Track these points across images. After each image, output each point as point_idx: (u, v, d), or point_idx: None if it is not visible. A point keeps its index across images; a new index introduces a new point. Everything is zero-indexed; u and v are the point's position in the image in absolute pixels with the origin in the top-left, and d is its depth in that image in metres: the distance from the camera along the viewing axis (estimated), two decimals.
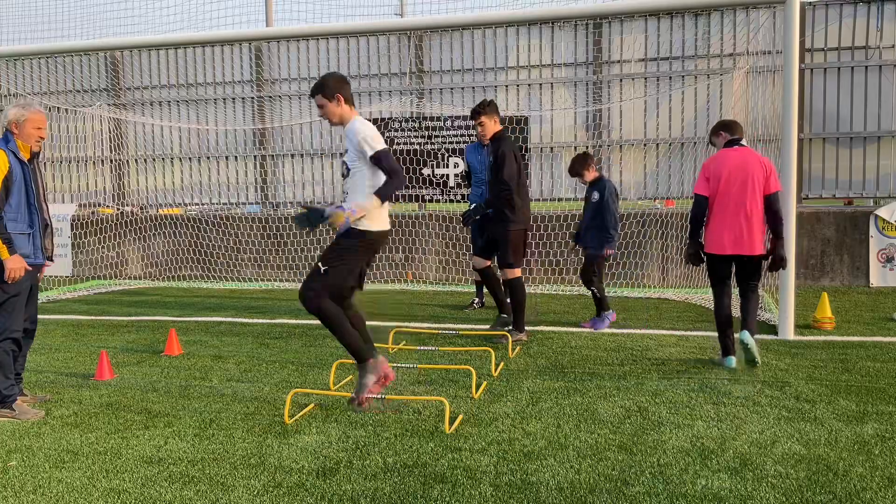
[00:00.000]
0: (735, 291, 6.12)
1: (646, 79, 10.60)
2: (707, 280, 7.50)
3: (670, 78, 10.53)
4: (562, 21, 10.51)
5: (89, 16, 14.45)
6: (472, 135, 10.45)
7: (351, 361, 6.02)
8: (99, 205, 12.62)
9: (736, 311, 6.27)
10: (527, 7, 10.70)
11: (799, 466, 3.89)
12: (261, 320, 8.24)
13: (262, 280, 11.38)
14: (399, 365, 5.95)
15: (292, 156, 11.99)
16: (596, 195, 7.44)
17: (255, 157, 12.14)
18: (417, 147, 11.14)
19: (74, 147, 12.26)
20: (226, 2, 21.67)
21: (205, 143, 12.31)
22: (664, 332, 7.25)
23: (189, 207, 12.61)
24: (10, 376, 4.98)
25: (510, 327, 7.00)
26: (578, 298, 9.31)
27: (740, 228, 5.75)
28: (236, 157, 12.20)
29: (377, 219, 4.82)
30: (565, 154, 10.89)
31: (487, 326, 7.50)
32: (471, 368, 5.46)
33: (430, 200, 11.28)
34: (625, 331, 7.33)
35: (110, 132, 12.47)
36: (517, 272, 6.86)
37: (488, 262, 8.17)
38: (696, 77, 10.45)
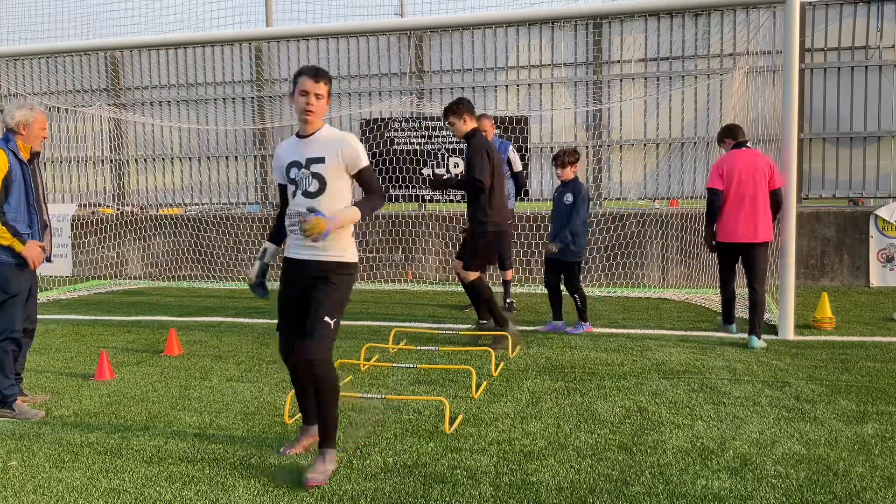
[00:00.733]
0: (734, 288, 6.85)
1: (646, 79, 10.60)
2: (707, 280, 7.58)
3: (670, 78, 10.53)
4: (562, 21, 10.51)
5: (89, 16, 14.44)
6: None
7: (351, 361, 6.03)
8: (99, 205, 12.62)
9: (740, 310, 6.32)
10: (527, 7, 10.71)
11: (799, 466, 3.89)
12: (261, 320, 8.24)
13: None
14: (399, 365, 5.95)
15: None
16: (570, 197, 7.17)
17: (255, 157, 12.14)
18: (417, 147, 11.14)
19: (74, 147, 12.26)
20: (226, 2, 21.67)
21: (205, 143, 12.31)
22: (664, 332, 7.25)
23: (189, 207, 12.61)
24: (10, 376, 4.98)
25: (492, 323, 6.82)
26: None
27: (751, 220, 6.52)
28: (236, 157, 12.20)
29: (352, 245, 4.08)
30: None
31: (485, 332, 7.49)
32: (471, 368, 5.46)
33: (430, 200, 11.29)
34: (625, 331, 7.33)
35: (110, 132, 12.47)
36: (472, 275, 6.66)
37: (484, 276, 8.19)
38: (696, 77, 10.44)
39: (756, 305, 6.54)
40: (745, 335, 6.73)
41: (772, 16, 9.54)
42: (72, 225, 11.89)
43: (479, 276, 6.71)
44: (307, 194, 3.93)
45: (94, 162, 12.60)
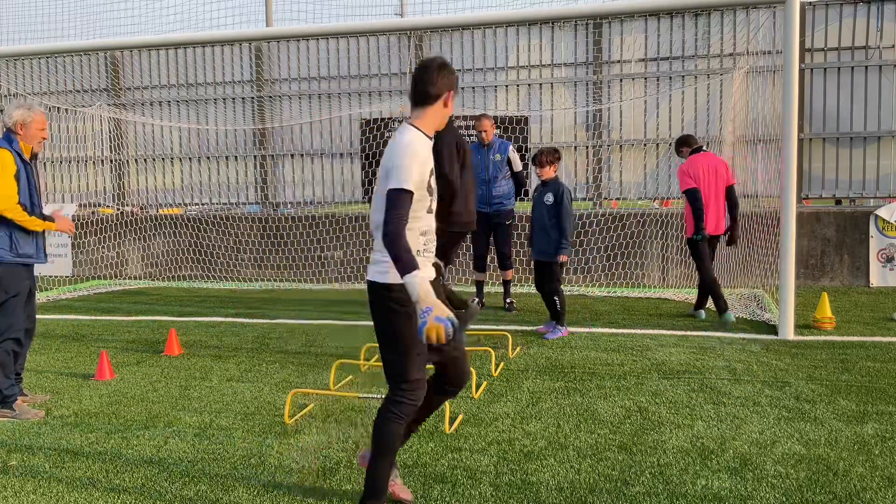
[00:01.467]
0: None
1: (646, 79, 10.60)
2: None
3: (670, 78, 10.53)
4: (562, 21, 10.51)
5: (89, 16, 14.47)
6: (473, 135, 10.44)
7: (351, 361, 6.03)
8: (99, 205, 12.62)
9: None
10: (527, 7, 10.70)
11: (799, 466, 3.89)
12: (261, 320, 8.24)
13: (262, 280, 11.37)
14: None
15: (292, 156, 11.99)
16: (550, 197, 7.00)
17: (255, 157, 12.14)
18: None
19: (74, 147, 12.25)
20: (226, 2, 21.68)
21: (205, 143, 12.30)
22: (664, 332, 7.25)
23: (189, 207, 12.61)
24: (10, 376, 4.99)
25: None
26: (578, 298, 9.30)
27: (715, 215, 7.58)
28: (236, 157, 12.20)
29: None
30: (565, 154, 10.88)
31: (487, 327, 7.49)
32: (471, 368, 5.45)
33: None
34: (625, 331, 7.33)
35: (110, 132, 12.46)
36: None
37: (484, 276, 8.17)
38: (696, 77, 10.44)
39: (710, 287, 7.59)
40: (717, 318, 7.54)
41: (772, 16, 9.54)
42: None
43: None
44: (431, 211, 3.35)
45: (94, 162, 12.60)
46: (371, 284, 3.29)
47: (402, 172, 3.09)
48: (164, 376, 5.95)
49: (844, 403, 4.90)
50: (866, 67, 9.94)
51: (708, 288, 7.69)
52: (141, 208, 12.54)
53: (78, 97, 12.57)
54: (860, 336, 6.88)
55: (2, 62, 12.40)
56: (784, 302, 6.86)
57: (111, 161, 12.60)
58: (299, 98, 11.85)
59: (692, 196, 7.43)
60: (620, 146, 10.73)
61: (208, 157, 12.30)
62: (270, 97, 11.97)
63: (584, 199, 11.06)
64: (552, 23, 10.70)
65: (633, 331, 7.31)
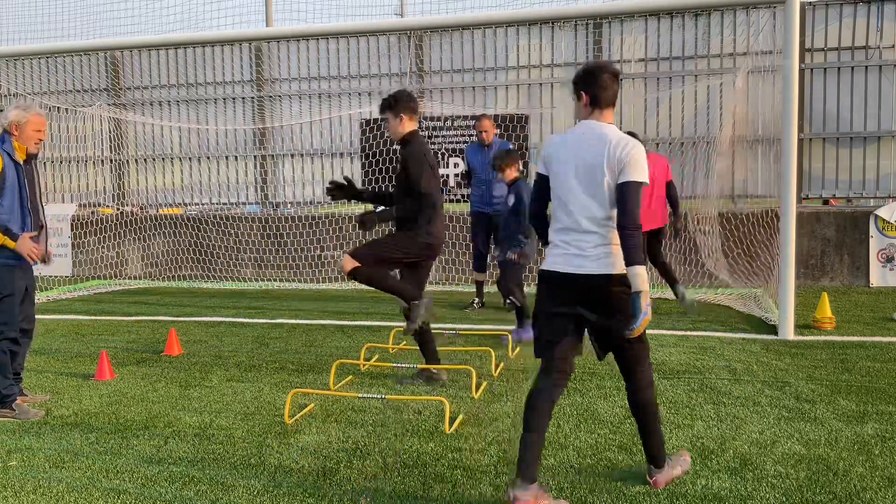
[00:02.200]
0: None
1: (646, 79, 10.60)
2: (706, 279, 7.78)
3: (670, 78, 10.53)
4: (562, 21, 10.51)
5: (89, 16, 14.46)
6: (473, 135, 10.44)
7: (351, 361, 6.03)
8: (99, 205, 12.61)
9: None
10: (527, 7, 10.71)
11: (799, 466, 3.89)
12: (261, 320, 8.24)
13: (262, 280, 11.37)
14: (399, 365, 5.95)
15: (292, 156, 11.99)
16: (512, 199, 6.86)
17: (255, 157, 12.14)
18: None
19: (74, 147, 12.24)
20: (226, 2, 21.68)
21: (205, 143, 12.30)
22: (664, 332, 7.25)
23: (189, 207, 12.61)
24: (8, 376, 4.98)
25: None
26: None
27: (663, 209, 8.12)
28: (236, 157, 12.20)
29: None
30: None
31: (487, 327, 7.48)
32: (471, 368, 5.46)
33: None
34: None
35: (110, 132, 12.46)
36: (349, 266, 5.25)
37: (484, 276, 8.15)
38: (696, 77, 10.44)
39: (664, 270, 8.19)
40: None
41: (772, 16, 9.54)
42: (72, 225, 11.88)
43: (357, 267, 5.26)
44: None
45: (94, 162, 12.60)
46: (604, 276, 3.43)
47: (644, 168, 3.38)
48: (164, 376, 5.95)
49: (844, 403, 4.90)
50: (866, 67, 9.94)
51: (669, 277, 8.25)
52: (141, 208, 12.54)
53: (78, 97, 12.57)
54: (860, 336, 6.88)
55: (2, 62, 12.39)
56: (784, 302, 6.86)
57: (111, 161, 12.61)
58: (299, 98, 11.85)
59: (670, 189, 8.01)
60: None
61: (208, 157, 12.30)
62: (270, 97, 11.97)
63: None
64: (552, 23, 10.70)
65: None
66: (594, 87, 3.50)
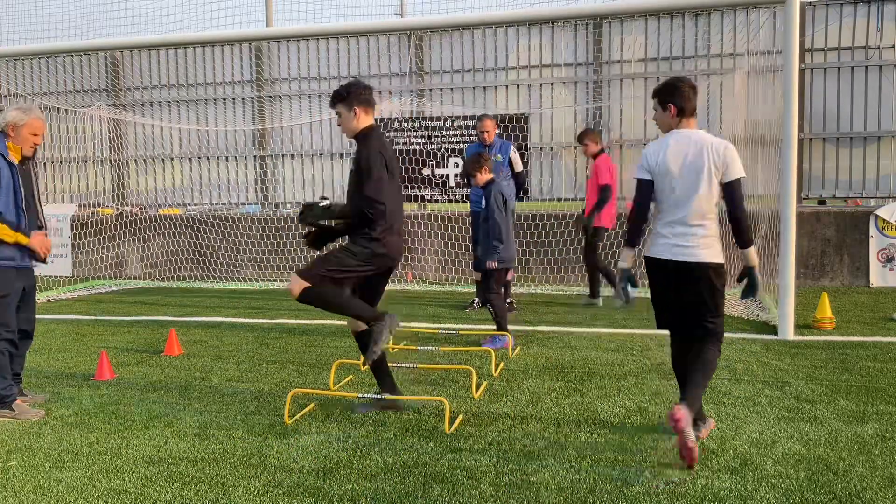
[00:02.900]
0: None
1: (646, 79, 10.59)
2: None
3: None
4: (562, 21, 10.51)
5: (89, 16, 14.47)
6: (473, 135, 10.44)
7: (351, 361, 6.03)
8: (99, 205, 12.62)
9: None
10: (527, 7, 10.71)
11: (799, 466, 3.88)
12: (261, 320, 8.24)
13: (262, 280, 11.37)
14: (399, 365, 5.95)
15: (292, 156, 11.99)
16: (484, 202, 6.71)
17: (254, 157, 12.14)
18: (417, 147, 11.14)
19: (74, 147, 12.25)
20: (226, 2, 21.65)
21: (205, 143, 12.31)
22: (664, 332, 7.22)
23: (189, 208, 12.61)
24: (7, 377, 4.97)
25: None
26: (579, 298, 9.30)
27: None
28: (236, 157, 12.20)
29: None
30: (565, 154, 10.89)
31: (488, 327, 7.48)
32: (471, 368, 5.46)
33: (430, 200, 11.28)
34: (625, 331, 7.33)
35: (110, 132, 12.46)
36: (297, 289, 4.89)
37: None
38: (696, 77, 10.43)
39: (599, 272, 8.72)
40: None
41: (772, 16, 9.53)
42: (72, 225, 11.88)
43: (309, 288, 4.89)
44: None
45: (93, 162, 12.60)
46: (710, 265, 4.10)
47: (740, 163, 4.07)
48: (164, 376, 5.95)
49: (844, 403, 4.90)
50: (866, 67, 9.94)
51: (602, 272, 8.71)
52: (141, 208, 12.54)
53: (78, 97, 12.57)
54: (860, 336, 6.88)
55: (2, 62, 12.39)
56: (784, 302, 6.86)
57: (111, 161, 12.61)
58: (299, 98, 11.85)
59: (610, 191, 8.40)
60: (620, 146, 10.73)
61: (208, 158, 12.30)
62: (270, 97, 11.97)
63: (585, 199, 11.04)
64: (552, 23, 10.70)
65: (633, 331, 7.31)
66: (679, 99, 4.24)
